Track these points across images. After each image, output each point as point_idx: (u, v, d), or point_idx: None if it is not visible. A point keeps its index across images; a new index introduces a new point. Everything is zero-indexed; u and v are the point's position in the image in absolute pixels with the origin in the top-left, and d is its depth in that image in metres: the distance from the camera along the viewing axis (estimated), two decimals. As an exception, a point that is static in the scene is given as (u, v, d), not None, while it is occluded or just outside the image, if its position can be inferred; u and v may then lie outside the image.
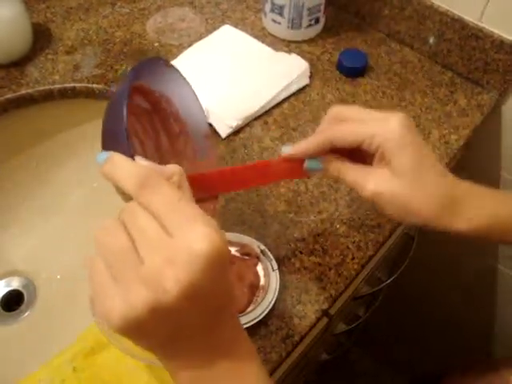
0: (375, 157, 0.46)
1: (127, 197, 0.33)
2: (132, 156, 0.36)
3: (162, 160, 0.56)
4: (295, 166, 0.50)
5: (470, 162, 0.93)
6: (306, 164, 0.50)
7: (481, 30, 0.76)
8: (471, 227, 0.47)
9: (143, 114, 0.55)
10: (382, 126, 0.45)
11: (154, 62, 0.49)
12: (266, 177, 0.53)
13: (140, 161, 0.36)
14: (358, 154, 0.48)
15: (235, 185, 0.54)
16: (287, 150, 0.50)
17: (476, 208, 0.47)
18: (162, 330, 0.32)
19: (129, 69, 0.50)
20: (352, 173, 0.48)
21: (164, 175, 0.35)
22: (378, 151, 0.45)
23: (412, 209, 0.46)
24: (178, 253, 0.30)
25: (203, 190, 0.50)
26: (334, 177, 0.50)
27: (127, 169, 0.33)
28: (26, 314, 0.70)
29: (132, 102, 0.52)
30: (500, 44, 0.75)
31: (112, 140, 0.44)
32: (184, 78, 0.52)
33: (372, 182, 0.46)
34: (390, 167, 0.45)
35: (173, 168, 0.36)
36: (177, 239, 0.30)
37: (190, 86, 0.53)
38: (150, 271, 0.30)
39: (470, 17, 0.76)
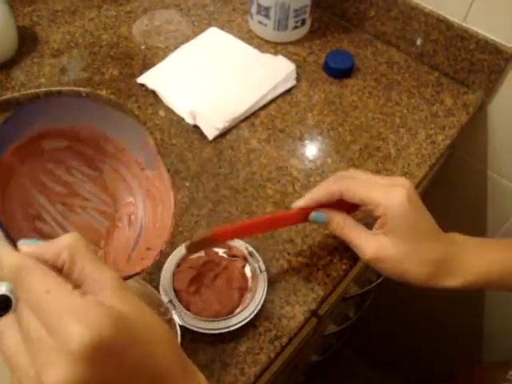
0: (376, 222, 0.52)
1: None
2: (14, 243, 0.34)
3: (104, 187, 0.51)
4: (302, 213, 0.57)
5: (457, 162, 0.94)
6: (312, 215, 0.56)
7: (466, 30, 0.76)
8: (464, 284, 0.52)
9: (66, 153, 0.49)
10: (386, 196, 0.51)
11: (32, 107, 0.46)
12: (275, 225, 0.60)
13: (21, 246, 0.33)
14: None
15: (250, 233, 0.59)
16: (298, 202, 0.56)
17: (467, 266, 0.53)
18: None
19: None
20: (354, 235, 0.54)
21: (50, 255, 0.32)
22: (379, 218, 0.51)
23: (407, 274, 0.52)
24: (54, 353, 0.28)
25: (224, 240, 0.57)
26: (334, 233, 0.56)
27: (3, 259, 0.32)
28: (14, 319, 0.69)
29: (43, 149, 0.47)
30: (485, 44, 0.75)
31: None
32: (83, 100, 0.47)
33: (372, 248, 0.52)
34: (388, 236, 0.51)
35: (61, 243, 0.32)
36: (53, 337, 0.29)
37: (96, 103, 0.48)
38: (34, 373, 0.29)
39: (455, 18, 0.77)
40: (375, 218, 0.53)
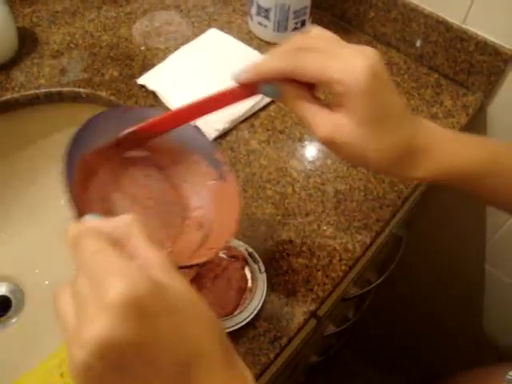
0: (334, 100, 0.43)
1: None
2: (80, 217, 0.37)
3: (177, 193, 0.55)
4: (248, 88, 0.47)
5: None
6: (262, 89, 0.46)
7: (465, 32, 0.76)
8: (427, 176, 0.46)
9: (145, 161, 0.54)
10: (345, 71, 0.41)
11: (117, 112, 0.49)
12: (219, 105, 0.50)
13: (87, 219, 0.36)
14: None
15: (189, 118, 0.50)
16: (240, 75, 0.46)
17: (435, 158, 0.46)
18: None
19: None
20: (307, 109, 0.44)
21: (108, 229, 0.34)
22: (338, 96, 0.42)
23: (366, 160, 0.45)
24: (93, 308, 0.29)
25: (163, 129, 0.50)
26: (287, 106, 0.47)
27: (68, 230, 0.34)
28: (14, 319, 0.69)
29: (126, 155, 0.52)
30: (484, 46, 0.76)
31: None
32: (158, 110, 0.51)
33: (326, 127, 0.43)
34: (348, 115, 0.43)
35: (119, 220, 0.35)
36: (95, 294, 0.30)
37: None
38: (77, 331, 0.30)
39: (455, 19, 0.77)
40: (334, 96, 0.43)
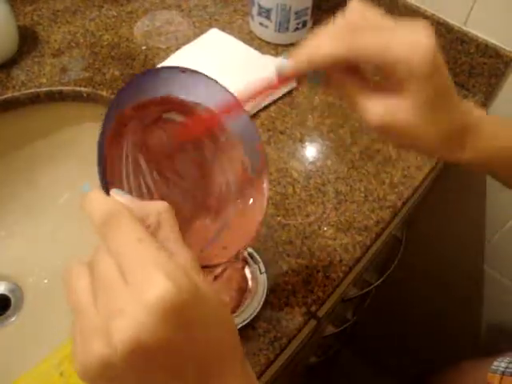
0: (389, 82, 0.40)
1: None
2: (107, 191, 0.34)
3: (203, 173, 0.50)
4: (287, 79, 0.43)
5: (456, 166, 0.94)
6: (310, 78, 0.42)
7: (466, 34, 0.76)
8: (474, 157, 0.45)
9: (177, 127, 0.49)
10: (413, 48, 0.37)
11: (169, 70, 0.44)
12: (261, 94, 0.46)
13: (115, 195, 0.33)
14: None
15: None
16: (287, 67, 0.41)
17: (484, 139, 0.44)
18: None
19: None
20: (358, 95, 0.41)
21: (139, 214, 0.31)
22: (397, 78, 0.39)
23: (419, 143, 0.42)
24: (128, 302, 0.27)
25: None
26: (334, 91, 0.44)
27: (96, 203, 0.31)
28: (13, 318, 0.69)
29: (161, 116, 0.47)
30: (485, 48, 0.75)
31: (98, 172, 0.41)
32: (217, 83, 0.46)
33: (381, 113, 0.40)
34: (406, 99, 0.39)
35: (153, 207, 0.32)
36: (130, 286, 0.27)
37: (225, 89, 0.47)
38: (101, 322, 0.27)
39: (456, 21, 0.77)
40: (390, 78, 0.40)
